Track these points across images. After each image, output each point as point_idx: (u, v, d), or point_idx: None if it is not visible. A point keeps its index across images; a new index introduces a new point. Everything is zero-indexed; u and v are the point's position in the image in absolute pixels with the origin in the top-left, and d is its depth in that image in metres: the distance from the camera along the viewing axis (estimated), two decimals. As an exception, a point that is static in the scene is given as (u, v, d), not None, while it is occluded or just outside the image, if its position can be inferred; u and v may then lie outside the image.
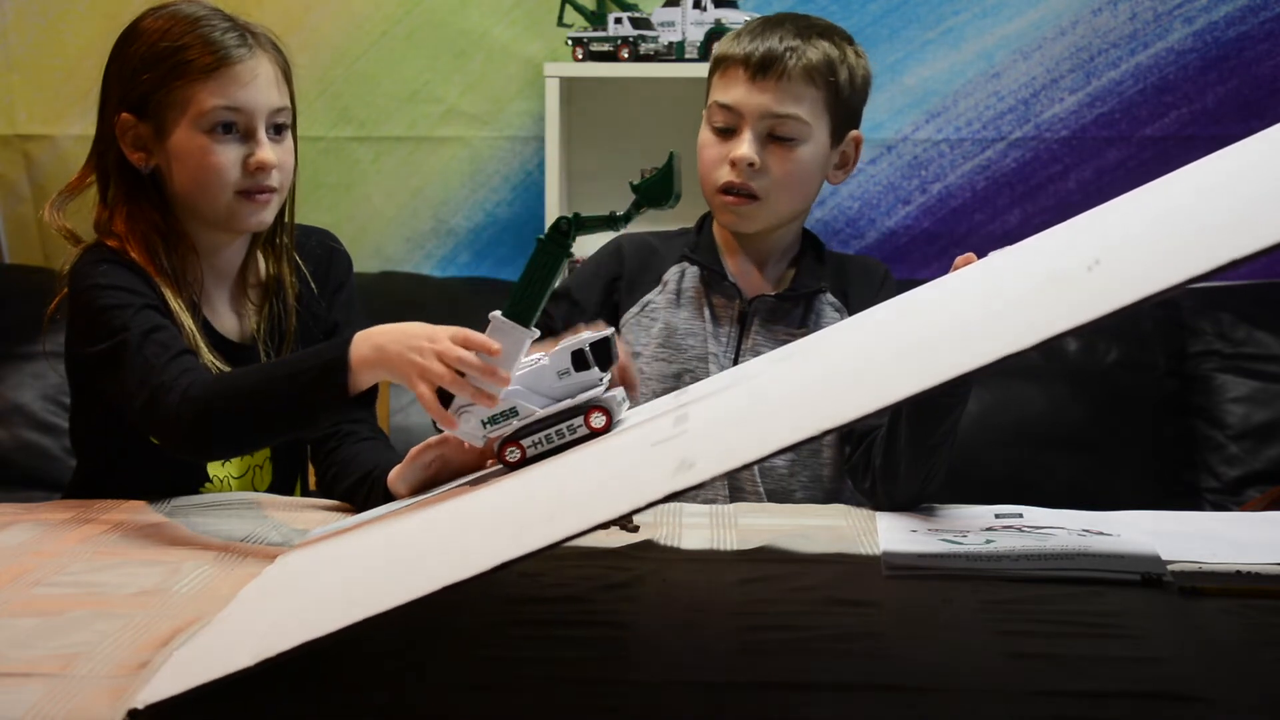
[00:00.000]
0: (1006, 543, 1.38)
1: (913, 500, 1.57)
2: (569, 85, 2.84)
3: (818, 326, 1.78)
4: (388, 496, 1.55)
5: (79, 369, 1.67)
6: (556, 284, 1.37)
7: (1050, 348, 2.67)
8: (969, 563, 1.33)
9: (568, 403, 1.35)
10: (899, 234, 2.97)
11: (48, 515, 1.53)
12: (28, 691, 1.01)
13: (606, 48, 2.76)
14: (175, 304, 1.61)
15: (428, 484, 1.52)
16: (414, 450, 1.52)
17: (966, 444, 1.83)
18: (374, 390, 1.44)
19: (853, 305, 1.80)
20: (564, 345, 1.37)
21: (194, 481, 1.67)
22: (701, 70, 1.88)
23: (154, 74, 1.61)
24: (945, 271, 1.47)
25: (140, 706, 0.98)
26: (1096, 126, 2.92)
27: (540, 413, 1.35)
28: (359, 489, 1.61)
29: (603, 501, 1.08)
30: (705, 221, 1.87)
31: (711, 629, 1.17)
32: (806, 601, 1.24)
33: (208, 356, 1.61)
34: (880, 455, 1.59)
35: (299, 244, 1.76)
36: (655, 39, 2.77)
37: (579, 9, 2.80)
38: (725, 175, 1.76)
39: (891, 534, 1.44)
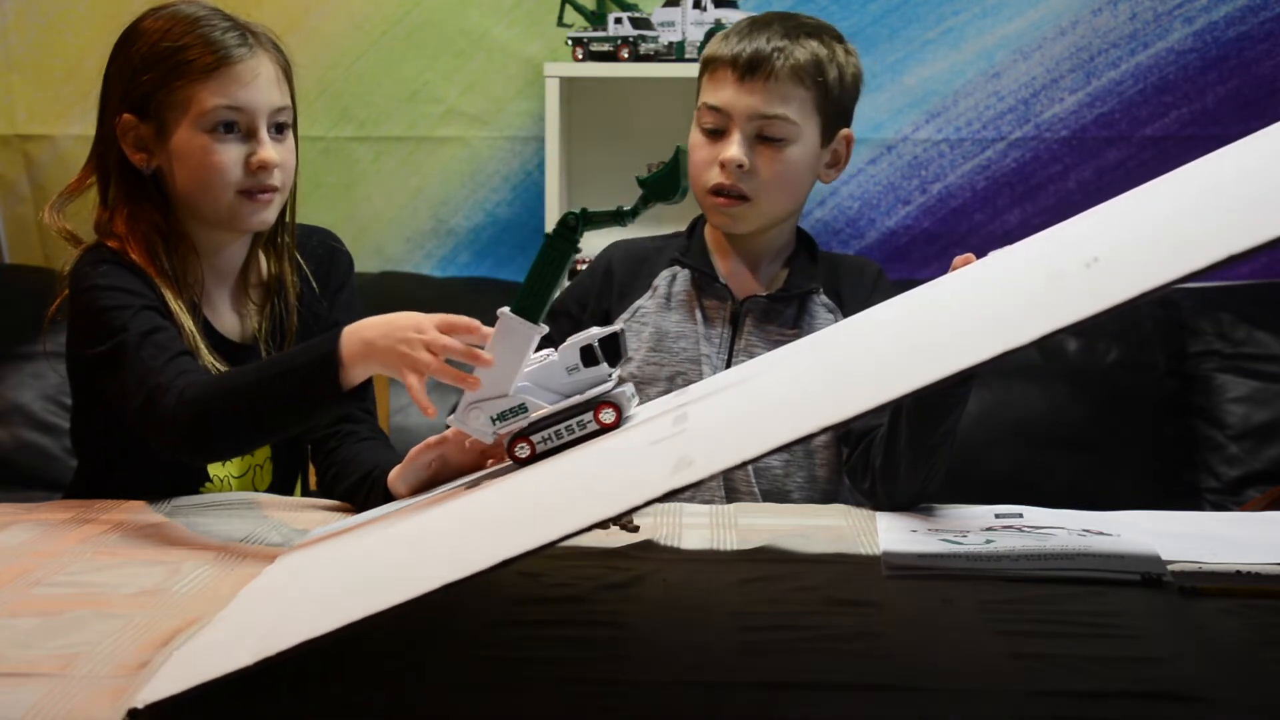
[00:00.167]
0: (1006, 543, 1.38)
1: (913, 500, 1.57)
2: (569, 85, 2.84)
3: (811, 327, 1.78)
4: (388, 496, 1.55)
5: (79, 369, 1.67)
6: (564, 280, 1.37)
7: (1050, 348, 2.72)
8: (969, 563, 1.33)
9: (577, 398, 1.35)
10: (899, 234, 2.97)
11: (48, 515, 1.53)
12: (28, 691, 1.01)
13: (606, 48, 2.76)
14: (175, 305, 1.61)
15: (428, 484, 1.52)
16: (414, 450, 1.52)
17: (966, 444, 1.84)
18: (367, 383, 1.45)
19: (846, 305, 1.80)
20: (573, 341, 1.37)
21: (194, 481, 1.67)
22: (701, 70, 1.88)
23: (155, 74, 1.61)
24: (945, 271, 1.47)
25: (140, 706, 0.98)
26: (1096, 126, 2.92)
27: (549, 409, 1.35)
28: (359, 489, 1.61)
29: (602, 500, 1.08)
30: (697, 224, 1.87)
31: (711, 629, 1.17)
32: (806, 601, 1.24)
33: (207, 357, 1.61)
34: (880, 455, 1.59)
35: (300, 243, 1.76)
36: (655, 39, 2.77)
37: (579, 9, 2.80)
38: (715, 177, 1.76)
39: (891, 534, 1.44)
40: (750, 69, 1.74)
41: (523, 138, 2.98)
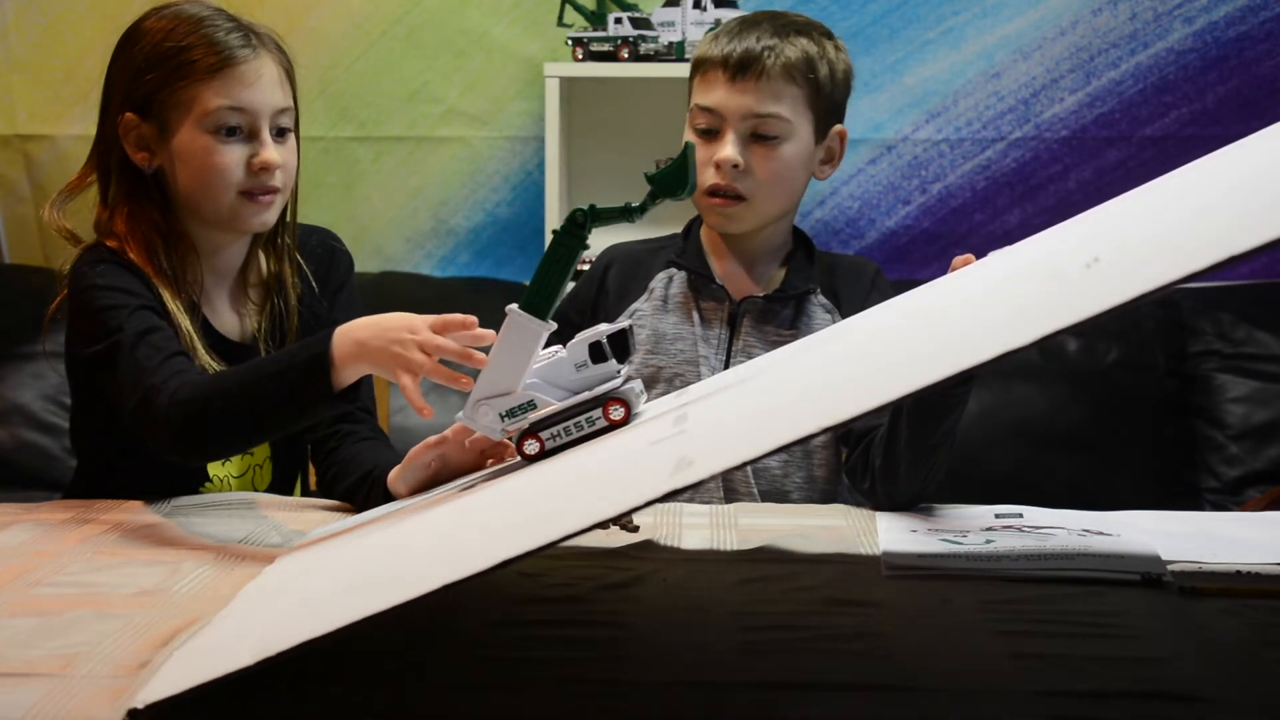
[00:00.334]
0: (1006, 543, 1.38)
1: (913, 500, 1.57)
2: (569, 85, 2.84)
3: (808, 327, 1.78)
4: (388, 496, 1.55)
5: (78, 369, 1.67)
6: (571, 276, 1.37)
7: (1050, 348, 2.72)
8: (969, 563, 1.33)
9: (585, 395, 1.35)
10: (899, 234, 2.97)
11: (48, 515, 1.53)
12: (28, 691, 1.01)
13: (606, 48, 2.76)
14: (173, 305, 1.61)
15: (427, 484, 1.52)
16: (414, 450, 1.52)
17: (966, 444, 1.84)
18: (363, 383, 1.45)
19: (844, 306, 1.80)
20: (581, 337, 1.37)
21: (194, 481, 1.67)
22: (703, 71, 1.88)
23: (158, 74, 1.61)
24: (945, 271, 1.47)
25: (140, 706, 0.98)
26: (1096, 126, 2.92)
27: (558, 405, 1.35)
28: (359, 489, 1.61)
29: (602, 500, 1.08)
30: (693, 225, 1.87)
31: (711, 629, 1.17)
32: (806, 601, 1.24)
33: (204, 357, 1.61)
34: (880, 455, 1.59)
35: (300, 243, 1.76)
36: (655, 39, 2.77)
37: (579, 9, 2.80)
38: (710, 178, 1.76)
39: (891, 534, 1.44)
40: (742, 68, 1.74)
41: (523, 138, 2.98)
